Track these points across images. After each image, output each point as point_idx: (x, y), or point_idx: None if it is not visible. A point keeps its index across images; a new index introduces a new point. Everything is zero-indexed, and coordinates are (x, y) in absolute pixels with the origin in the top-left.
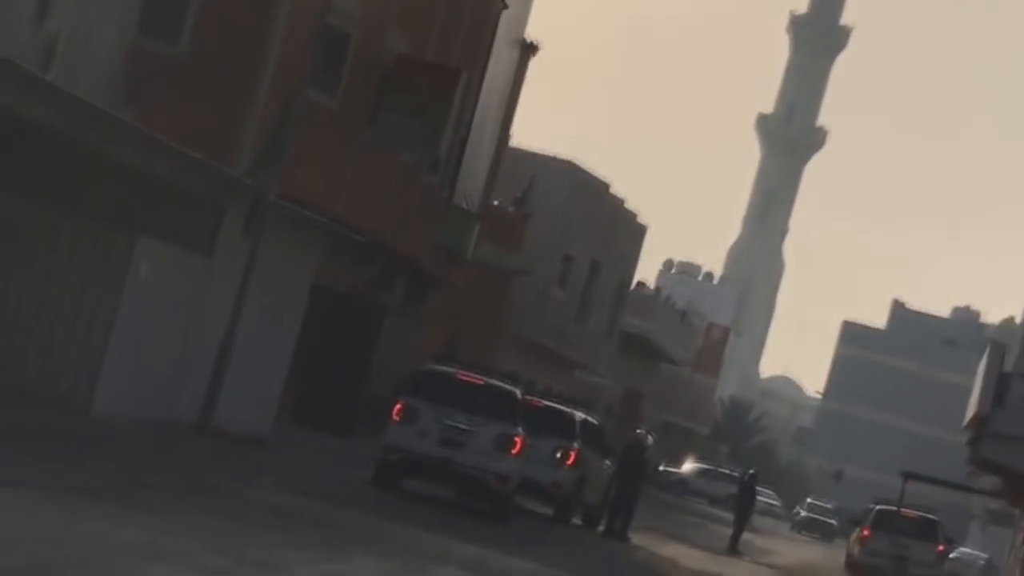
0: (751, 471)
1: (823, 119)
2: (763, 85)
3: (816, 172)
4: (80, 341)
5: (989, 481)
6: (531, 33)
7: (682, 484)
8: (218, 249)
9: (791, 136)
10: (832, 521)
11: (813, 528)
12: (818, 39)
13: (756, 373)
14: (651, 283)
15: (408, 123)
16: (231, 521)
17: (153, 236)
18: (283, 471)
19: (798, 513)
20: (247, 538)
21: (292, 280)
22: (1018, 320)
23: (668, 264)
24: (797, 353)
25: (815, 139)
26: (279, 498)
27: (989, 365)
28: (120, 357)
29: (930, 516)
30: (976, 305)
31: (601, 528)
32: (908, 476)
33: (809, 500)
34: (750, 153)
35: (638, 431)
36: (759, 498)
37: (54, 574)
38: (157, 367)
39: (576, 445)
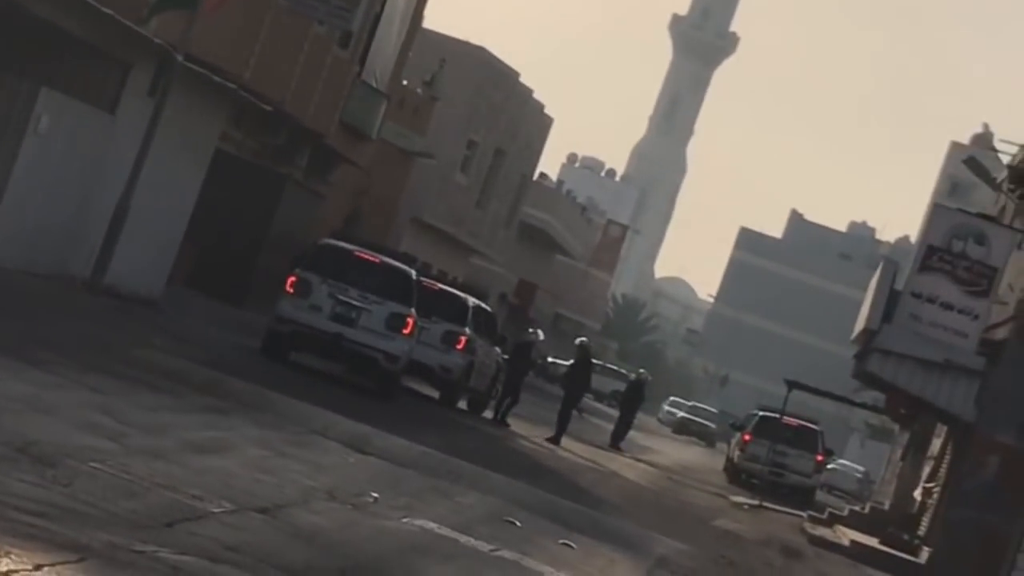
0: (641, 370)
1: (736, 25)
2: None
3: (725, 78)
4: None
5: (871, 396)
6: None
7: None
8: (122, 107)
9: (703, 39)
10: (711, 424)
11: (690, 430)
12: None
13: (651, 273)
14: (553, 176)
15: None
16: (118, 381)
17: (56, 89)
18: (173, 335)
19: (674, 414)
20: (133, 399)
21: (195, 143)
22: (913, 239)
23: (572, 158)
24: (693, 256)
25: (726, 44)
26: (167, 361)
27: (881, 281)
28: (15, 208)
29: (811, 426)
30: (872, 222)
31: (487, 414)
32: (792, 385)
33: (692, 403)
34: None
35: (530, 330)
36: (668, 408)
37: None
38: (52, 221)
39: (467, 331)
